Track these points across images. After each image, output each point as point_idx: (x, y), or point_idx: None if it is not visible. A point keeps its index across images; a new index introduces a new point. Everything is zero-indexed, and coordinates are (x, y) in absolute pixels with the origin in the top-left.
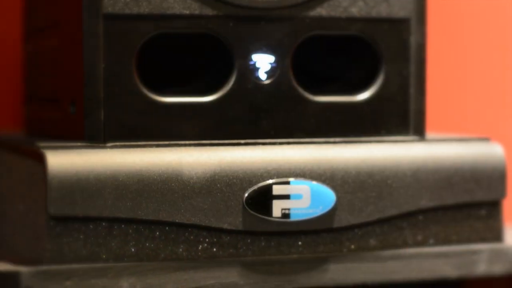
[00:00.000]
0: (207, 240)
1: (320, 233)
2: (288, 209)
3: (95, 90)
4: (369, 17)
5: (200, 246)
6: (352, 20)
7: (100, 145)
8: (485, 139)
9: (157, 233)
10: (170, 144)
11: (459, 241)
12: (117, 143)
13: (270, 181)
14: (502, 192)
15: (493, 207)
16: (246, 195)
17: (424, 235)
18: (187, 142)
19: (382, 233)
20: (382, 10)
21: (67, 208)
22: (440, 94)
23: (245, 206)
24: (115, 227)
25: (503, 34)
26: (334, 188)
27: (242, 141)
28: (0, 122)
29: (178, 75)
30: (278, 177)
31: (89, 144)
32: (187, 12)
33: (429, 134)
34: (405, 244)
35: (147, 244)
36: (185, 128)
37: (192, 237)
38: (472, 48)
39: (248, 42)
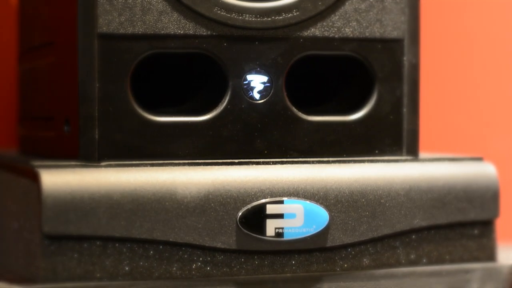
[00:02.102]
0: (200, 259)
1: (313, 252)
2: (282, 228)
3: (89, 109)
4: (362, 37)
5: (194, 265)
6: (345, 40)
7: (94, 164)
8: (478, 159)
9: (151, 252)
10: (164, 163)
11: (452, 260)
12: (111, 162)
13: (264, 200)
14: (495, 212)
15: (486, 226)
16: (239, 214)
17: (417, 254)
18: (181, 161)
19: (375, 252)
20: (376, 31)
21: (61, 226)
22: (434, 114)
23: (239, 225)
24: (109, 246)
25: (495, 54)
26: (327, 207)
27: (236, 160)
28: None
29: (172, 95)
30: (271, 196)
31: (83, 163)
32: (181, 32)
33: (422, 153)
34: (398, 263)
35: (141, 263)
36: (179, 147)
37: (186, 256)
38: (465, 68)
39: (242, 62)
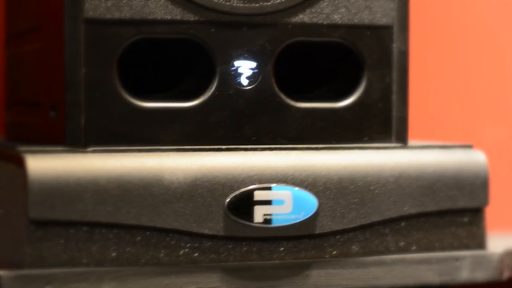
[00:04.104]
0: (188, 245)
1: (302, 239)
2: (270, 214)
3: (76, 95)
4: (351, 24)
5: (181, 251)
6: (334, 26)
7: (81, 149)
8: (468, 146)
9: (138, 238)
10: (151, 149)
11: (442, 248)
12: (98, 148)
13: (252, 187)
14: (484, 199)
15: (476, 214)
16: (227, 200)
17: (406, 241)
18: (168, 147)
19: (364, 239)
20: (365, 17)
21: (47, 212)
22: (423, 101)
23: (227, 211)
24: (96, 231)
25: (485, 41)
26: (316, 194)
27: (224, 147)
28: None
29: (159, 81)
30: (259, 182)
31: (69, 148)
32: (169, 17)
33: (412, 141)
34: (388, 251)
35: (128, 249)
36: (166, 133)
37: (173, 242)
38: (454, 55)
39: (230, 48)
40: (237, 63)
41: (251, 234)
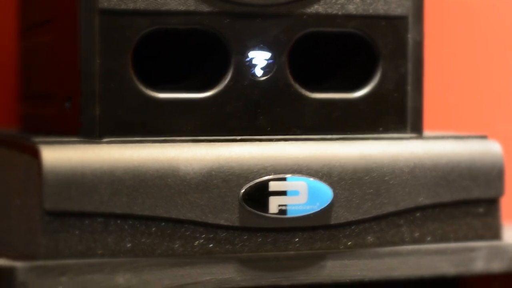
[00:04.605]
0: (203, 236)
1: (317, 229)
2: (285, 205)
3: (90, 86)
4: (366, 14)
5: (197, 242)
6: (349, 17)
7: (96, 140)
8: (483, 137)
9: (153, 229)
10: (166, 139)
11: (457, 238)
12: (113, 139)
13: (267, 177)
14: (499, 190)
15: (491, 204)
16: (242, 191)
17: (421, 232)
18: (183, 138)
19: (379, 230)
20: (379, 8)
21: (62, 203)
22: (438, 92)
23: (242, 202)
24: (111, 222)
25: (501, 32)
26: (331, 184)
27: (239, 137)
28: None
29: (174, 71)
30: (275, 173)
31: (84, 139)
32: (183, 8)
33: (427, 131)
34: (403, 241)
35: (143, 240)
36: (181, 124)
37: (188, 233)
38: (469, 45)
39: (244, 39)
40: (251, 53)
41: (266, 225)
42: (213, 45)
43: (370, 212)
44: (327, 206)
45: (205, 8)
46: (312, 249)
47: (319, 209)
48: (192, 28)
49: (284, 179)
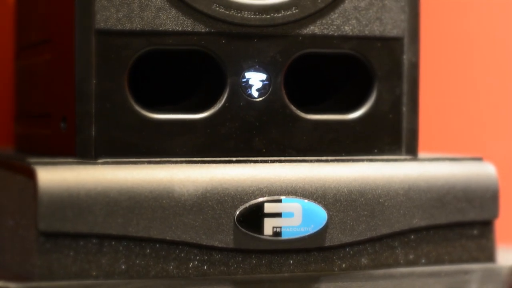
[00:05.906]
0: (198, 257)
1: (311, 251)
2: (280, 227)
3: (86, 106)
4: (362, 35)
5: (191, 263)
6: (345, 38)
7: (91, 161)
8: (478, 159)
9: (148, 250)
10: (161, 161)
11: (451, 261)
12: (108, 160)
13: (262, 199)
14: (494, 212)
15: (486, 227)
16: (237, 212)
17: (416, 254)
18: (178, 159)
19: (373, 252)
20: (375, 29)
21: (57, 224)
22: (433, 114)
23: (236, 223)
24: (106, 244)
25: (495, 54)
26: (325, 206)
27: (234, 159)
28: None
29: (170, 92)
30: (269, 195)
31: (80, 160)
32: (180, 28)
33: (422, 153)
34: (397, 264)
35: (138, 261)
36: (176, 145)
37: (182, 255)
38: (465, 67)
39: (240, 59)
40: (247, 74)
41: (261, 247)
42: (209, 66)
43: (364, 234)
44: (322, 228)
45: (201, 28)
46: (306, 271)
47: (313, 231)
48: (188, 48)
49: (279, 200)
